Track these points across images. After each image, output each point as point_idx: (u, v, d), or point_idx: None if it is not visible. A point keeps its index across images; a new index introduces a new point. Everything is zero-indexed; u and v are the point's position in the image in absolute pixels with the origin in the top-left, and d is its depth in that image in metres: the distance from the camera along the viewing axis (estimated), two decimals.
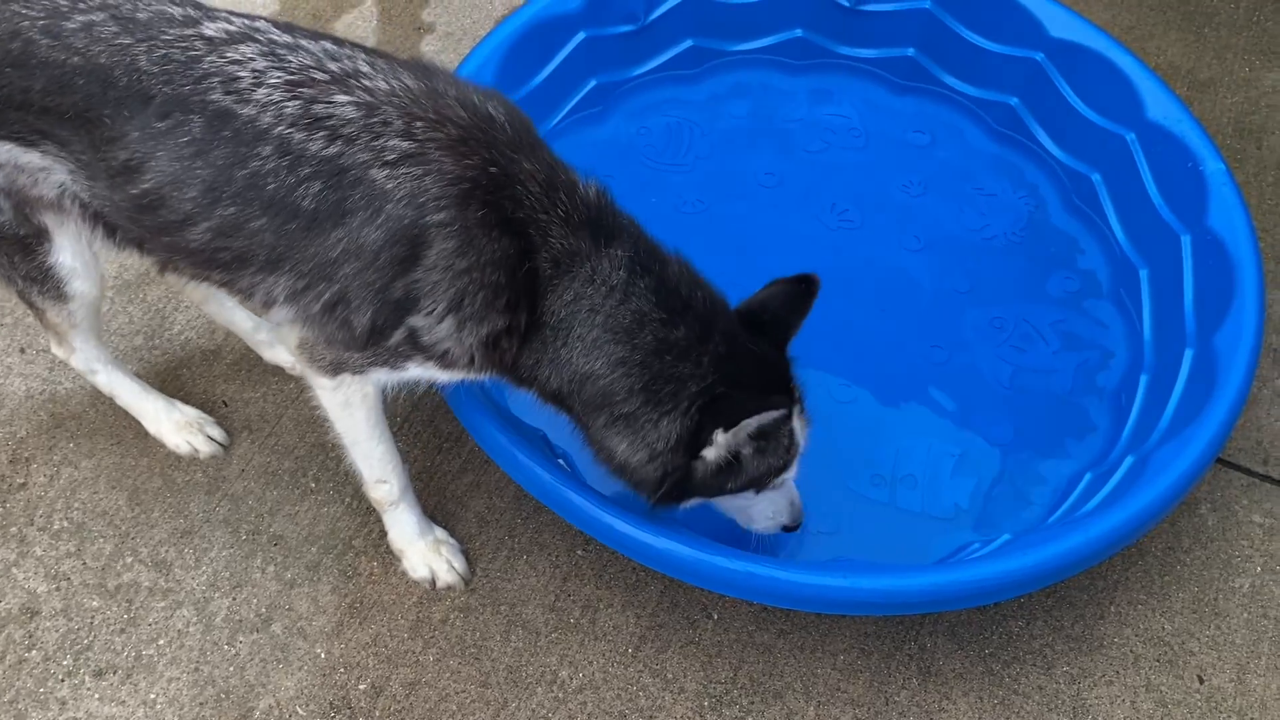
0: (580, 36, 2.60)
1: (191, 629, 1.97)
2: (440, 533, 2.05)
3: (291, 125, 1.47)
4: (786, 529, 1.90)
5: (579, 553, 2.08)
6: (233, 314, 2.21)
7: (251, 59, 1.49)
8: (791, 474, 1.79)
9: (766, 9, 2.76)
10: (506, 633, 1.98)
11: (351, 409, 1.79)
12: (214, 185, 1.49)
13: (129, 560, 2.04)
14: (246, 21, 1.54)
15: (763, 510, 1.86)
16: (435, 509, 2.11)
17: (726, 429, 1.62)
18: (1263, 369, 2.33)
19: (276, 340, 2.24)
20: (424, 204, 1.47)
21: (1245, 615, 2.05)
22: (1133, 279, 2.40)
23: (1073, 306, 2.42)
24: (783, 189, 2.61)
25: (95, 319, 1.97)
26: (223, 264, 1.58)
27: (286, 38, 1.53)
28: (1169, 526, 2.14)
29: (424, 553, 2.01)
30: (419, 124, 1.49)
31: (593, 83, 2.69)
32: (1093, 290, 2.45)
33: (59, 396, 2.23)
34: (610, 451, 1.71)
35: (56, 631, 1.96)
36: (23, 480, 2.13)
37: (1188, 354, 2.12)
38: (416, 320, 1.56)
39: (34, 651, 1.94)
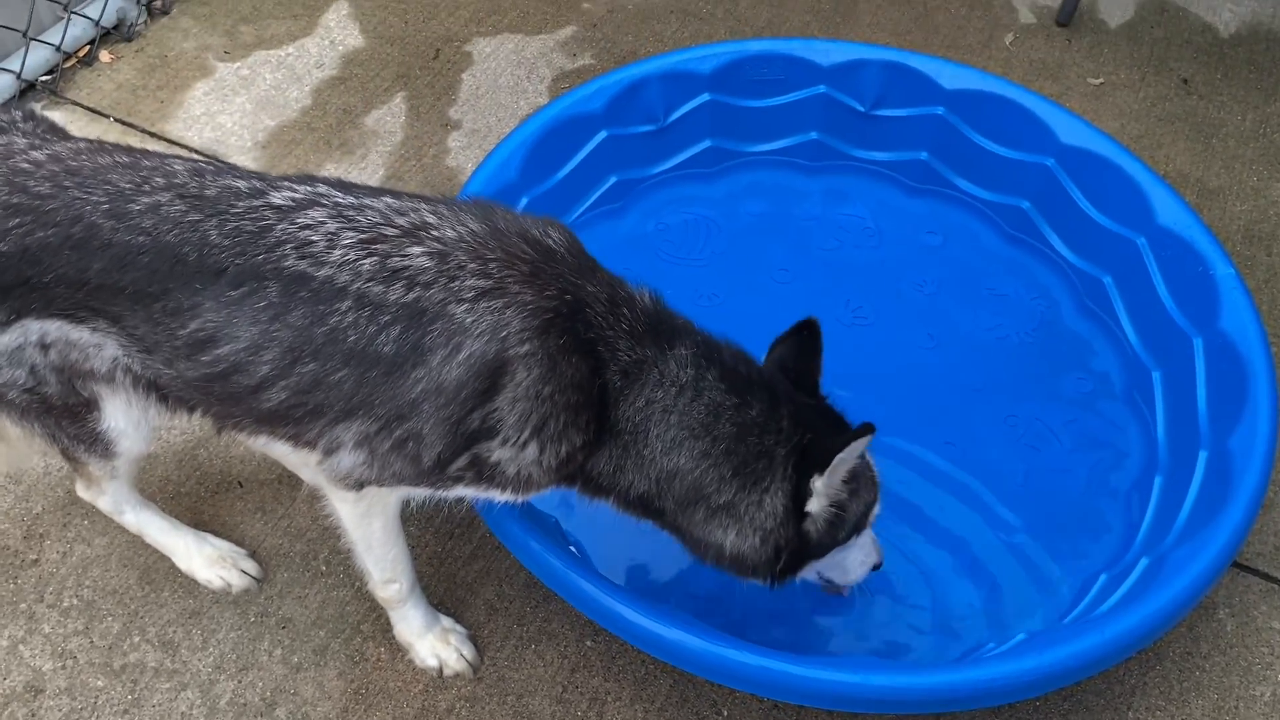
0: (602, 135, 2.68)
1: (195, 712, 1.95)
2: (448, 621, 2.03)
3: (369, 280, 1.51)
4: (875, 568, 1.92)
5: (588, 643, 2.06)
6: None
7: (322, 222, 1.54)
8: (878, 509, 1.83)
9: (783, 113, 2.83)
10: None
11: (370, 519, 1.79)
12: (294, 345, 1.52)
13: (136, 640, 2.03)
14: (309, 187, 1.59)
15: (856, 557, 1.87)
16: (445, 595, 2.11)
17: (821, 472, 1.65)
18: (1278, 472, 2.32)
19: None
20: (506, 337, 1.52)
21: None
22: (1145, 381, 2.41)
23: (1086, 407, 2.43)
24: (797, 285, 2.65)
25: (134, 469, 1.95)
26: (294, 419, 1.60)
27: (350, 199, 1.57)
28: (1187, 631, 2.11)
29: (432, 643, 1.99)
30: (492, 263, 1.54)
31: (613, 179, 2.75)
32: (1106, 391, 2.45)
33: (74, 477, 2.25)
34: (716, 545, 1.72)
35: (59, 711, 1.95)
36: (35, 556, 2.13)
37: (1202, 456, 2.12)
38: (490, 448, 1.59)
39: None
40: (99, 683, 1.98)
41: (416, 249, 1.54)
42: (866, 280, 2.67)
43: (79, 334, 1.59)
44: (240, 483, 2.26)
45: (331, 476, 1.67)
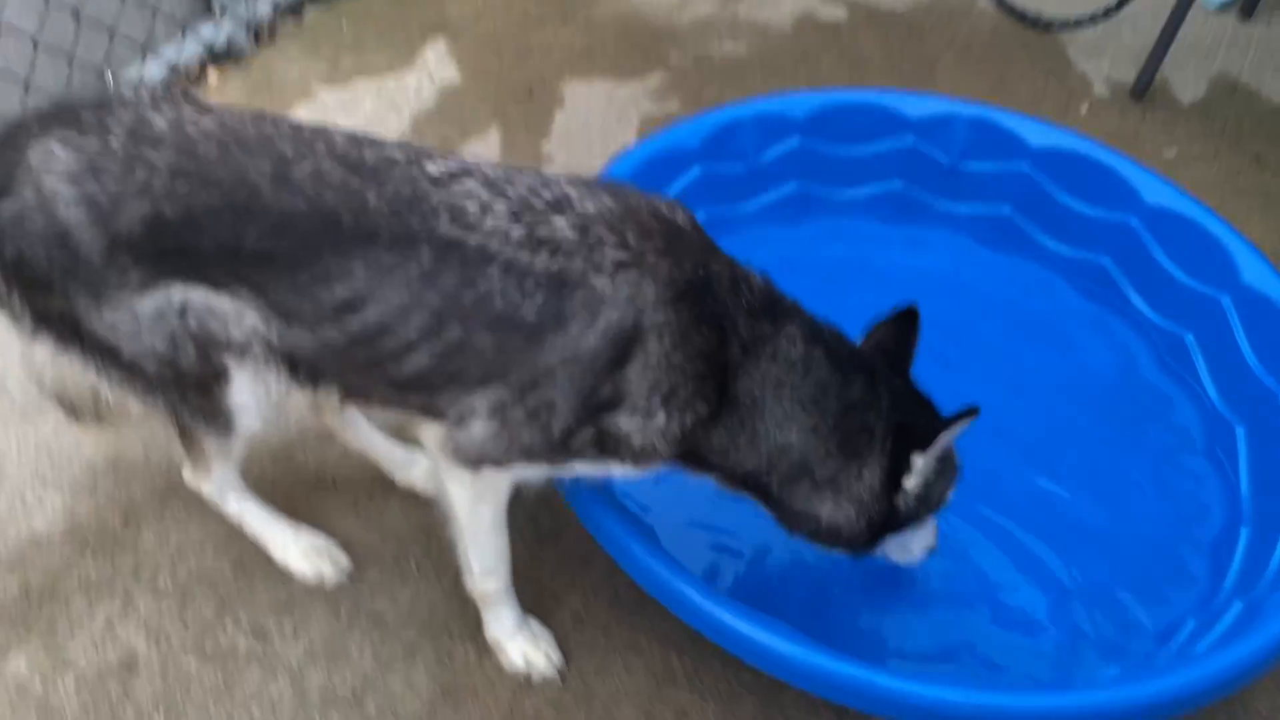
0: (695, 171, 2.75)
1: (285, 699, 1.97)
2: (537, 626, 2.05)
3: (518, 248, 1.58)
4: (930, 551, 2.00)
5: (674, 659, 2.07)
6: (370, 436, 2.25)
7: (476, 191, 1.61)
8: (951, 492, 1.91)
9: (869, 162, 2.91)
10: None
11: (482, 503, 1.83)
12: (442, 309, 1.58)
13: (228, 625, 2.06)
14: (459, 161, 1.66)
15: (919, 538, 1.96)
16: (531, 603, 2.12)
17: (924, 449, 1.74)
18: None
19: (411, 463, 2.26)
20: (642, 307, 1.59)
21: None
22: (1229, 436, 2.43)
23: (1167, 459, 2.44)
24: None
25: (245, 451, 1.99)
26: (430, 386, 1.65)
27: (500, 173, 1.65)
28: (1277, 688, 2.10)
29: (522, 645, 2.01)
30: (629, 237, 1.62)
31: (702, 214, 2.81)
32: (1187, 446, 2.47)
33: (175, 465, 2.28)
34: (813, 518, 1.80)
35: (152, 689, 1.97)
36: (133, 539, 2.17)
37: None
38: (616, 418, 1.65)
39: (128, 707, 1.94)
40: (191, 664, 2.00)
41: (561, 220, 1.61)
42: (947, 328, 2.69)
43: (221, 302, 1.63)
44: (335, 482, 2.30)
45: (454, 451, 1.72)
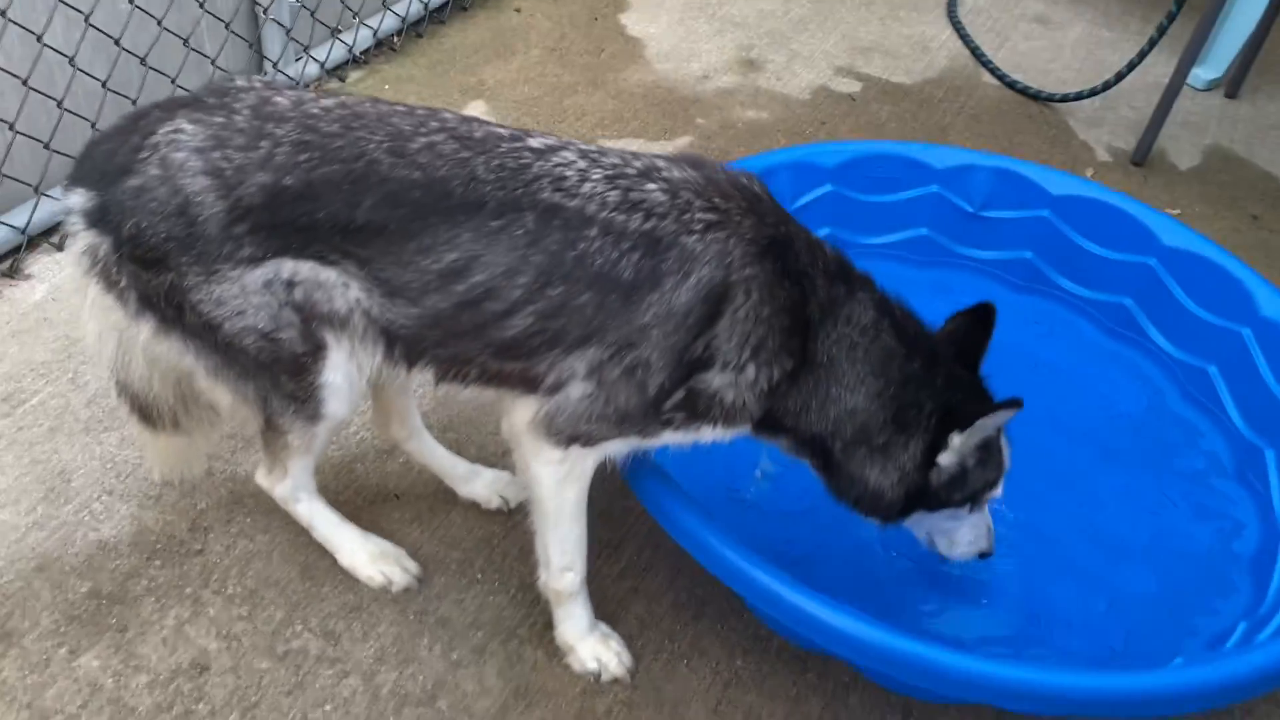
0: None
1: (358, 698, 1.97)
2: (605, 627, 2.08)
3: (614, 210, 1.68)
4: (983, 555, 2.05)
5: (738, 661, 2.09)
6: (434, 450, 2.29)
7: (574, 161, 1.72)
8: (999, 491, 1.96)
9: (897, 209, 3.05)
10: None
11: (568, 485, 1.87)
12: (546, 269, 1.66)
13: (299, 628, 2.07)
14: (557, 138, 1.78)
15: (966, 535, 2.03)
16: (597, 609, 2.14)
17: (962, 430, 1.81)
18: None
19: (474, 475, 2.31)
20: (730, 263, 1.69)
21: None
22: (1258, 460, 2.52)
23: (1199, 482, 2.53)
24: None
25: (325, 447, 2.05)
26: (530, 350, 1.71)
27: (593, 148, 1.78)
28: None
29: (593, 646, 2.03)
30: (716, 200, 1.73)
31: None
32: (1218, 470, 2.56)
33: (239, 477, 2.33)
34: (862, 480, 1.87)
35: (225, 688, 1.96)
36: (200, 547, 2.19)
37: None
38: (708, 377, 1.73)
39: (201, 705, 1.94)
40: (263, 664, 2.00)
41: (652, 185, 1.72)
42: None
43: (327, 274, 1.71)
44: (397, 495, 2.33)
45: (546, 427, 1.77)
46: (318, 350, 1.77)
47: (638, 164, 1.75)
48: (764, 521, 2.33)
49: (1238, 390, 2.65)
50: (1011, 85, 4.02)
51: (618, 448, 1.84)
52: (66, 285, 2.69)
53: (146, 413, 2.00)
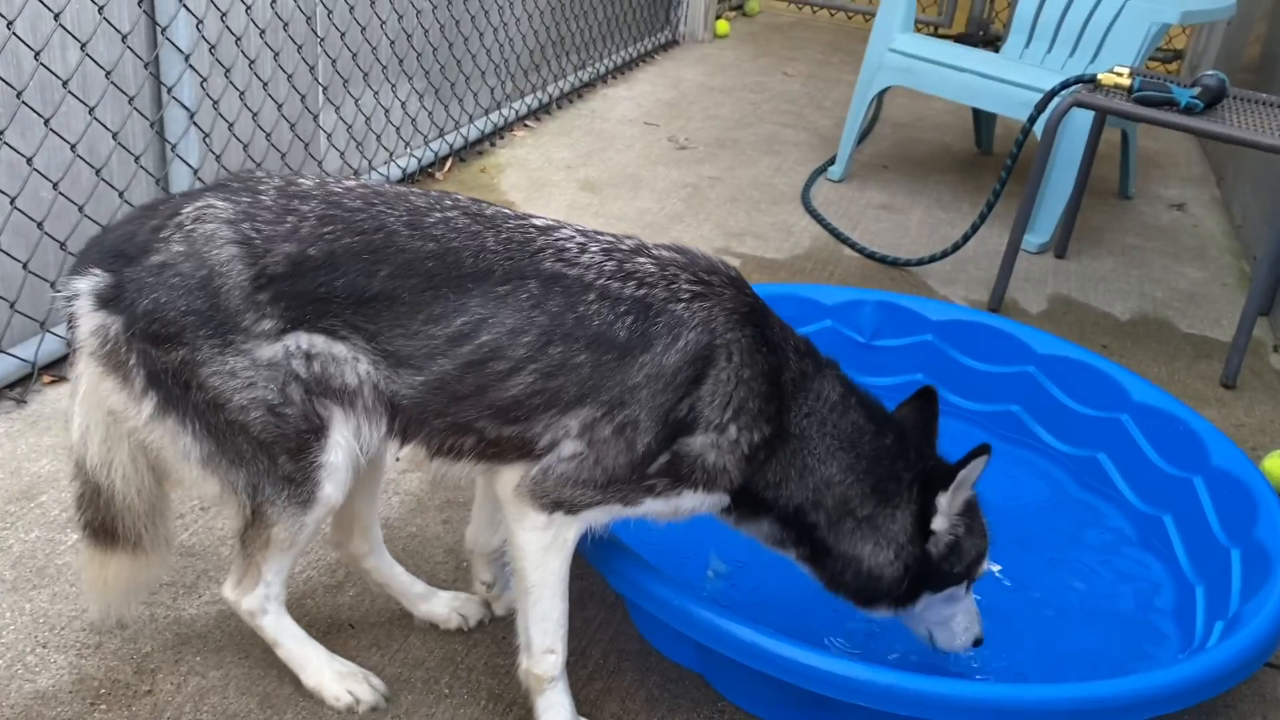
0: None
1: None
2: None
3: (610, 278, 1.83)
4: (977, 642, 2.10)
5: None
6: (392, 568, 2.26)
7: (574, 236, 1.88)
8: (987, 563, 2.05)
9: None
10: None
11: (551, 554, 1.89)
12: (547, 329, 1.77)
13: None
14: (555, 220, 1.94)
15: (963, 621, 2.09)
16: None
17: (945, 489, 1.92)
18: None
19: (431, 595, 2.29)
20: (715, 328, 1.83)
21: None
22: (1158, 527, 2.72)
23: (1113, 551, 2.71)
24: None
25: (306, 547, 2.03)
26: (529, 410, 1.79)
27: (588, 228, 1.94)
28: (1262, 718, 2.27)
29: None
30: (700, 274, 1.89)
31: None
32: (1125, 541, 2.75)
33: (184, 620, 2.24)
34: (857, 560, 1.95)
35: None
36: (149, 688, 2.07)
37: (1235, 553, 2.40)
38: (691, 440, 1.82)
39: None
40: None
41: (643, 259, 1.88)
42: None
43: (339, 348, 1.78)
44: (351, 624, 2.28)
45: (532, 491, 1.83)
46: (321, 429, 1.81)
47: (629, 243, 1.92)
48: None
49: (1126, 470, 2.89)
50: (871, 255, 4.44)
51: (600, 516, 1.89)
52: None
53: (108, 527, 1.94)
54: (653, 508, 1.90)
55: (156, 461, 1.89)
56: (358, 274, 1.75)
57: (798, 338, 1.98)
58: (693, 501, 1.90)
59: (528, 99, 5.53)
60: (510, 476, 1.87)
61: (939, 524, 1.96)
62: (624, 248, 1.90)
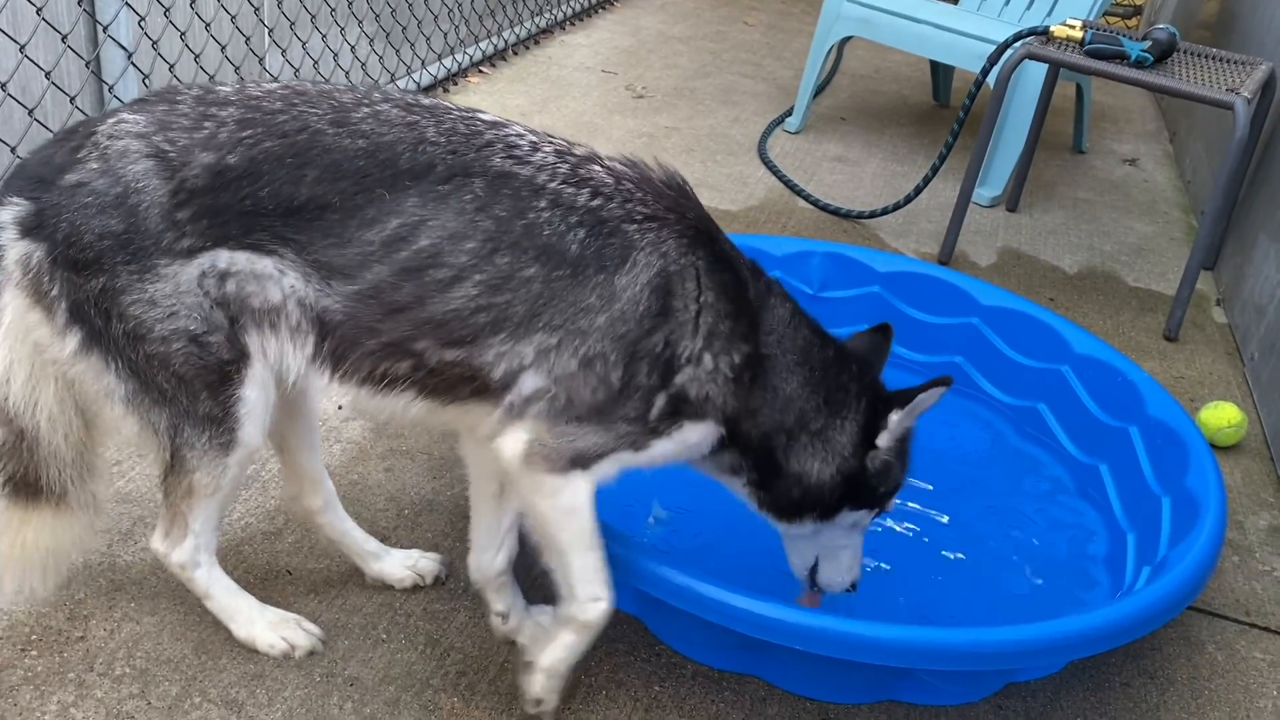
0: None
1: None
2: None
3: (563, 182, 1.71)
4: (853, 587, 2.10)
5: (656, 688, 2.10)
6: (345, 524, 2.20)
7: (525, 134, 1.77)
8: (893, 502, 2.02)
9: None
10: None
11: (575, 513, 1.80)
12: (493, 235, 1.66)
13: (197, 700, 1.95)
14: (501, 118, 1.81)
15: (847, 560, 2.06)
16: (504, 659, 2.13)
17: (901, 408, 1.88)
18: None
19: (384, 553, 2.23)
20: (667, 253, 1.73)
21: None
22: (1095, 476, 2.77)
23: (1049, 500, 2.75)
24: None
25: (231, 494, 1.93)
26: (473, 330, 1.68)
27: (538, 130, 1.82)
28: (1186, 662, 2.33)
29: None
30: (649, 193, 1.78)
31: None
32: (1062, 490, 2.80)
33: (119, 566, 2.22)
34: (805, 475, 1.90)
35: None
36: (81, 634, 2.05)
37: (1165, 501, 2.45)
38: (678, 379, 1.74)
39: None
40: None
41: (597, 167, 1.77)
42: None
43: (263, 263, 1.67)
44: (289, 571, 2.27)
45: (542, 448, 1.74)
46: (241, 359, 1.72)
47: (581, 150, 1.80)
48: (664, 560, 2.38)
49: (1065, 420, 2.93)
50: (824, 208, 4.44)
51: (609, 467, 1.80)
52: None
53: (30, 479, 1.83)
54: (661, 449, 1.81)
55: (85, 403, 1.81)
56: (283, 181, 1.64)
57: (745, 257, 1.88)
58: (697, 435, 1.83)
59: (483, 44, 5.45)
60: (511, 441, 1.76)
61: (884, 440, 1.91)
62: (578, 152, 1.79)
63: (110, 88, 3.20)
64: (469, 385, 1.75)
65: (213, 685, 1.99)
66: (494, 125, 1.77)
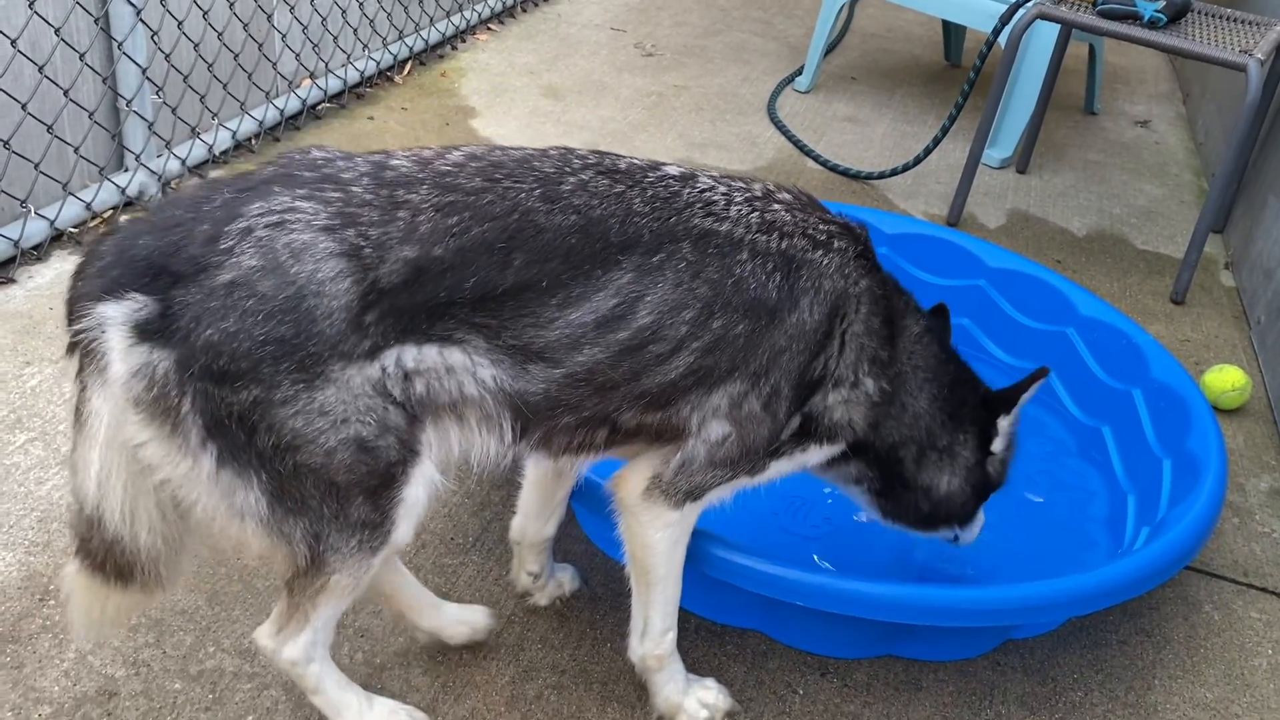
0: None
1: (280, 707, 1.92)
2: (690, 674, 1.97)
3: (757, 232, 1.66)
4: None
5: None
6: (402, 574, 1.98)
7: (714, 185, 1.69)
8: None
9: None
10: (602, 706, 1.99)
11: (680, 544, 1.81)
12: (709, 301, 1.59)
13: (211, 649, 2.00)
14: (681, 165, 1.73)
15: (980, 516, 2.14)
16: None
17: (1008, 413, 1.95)
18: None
19: (440, 606, 2.03)
20: (848, 274, 1.71)
21: (1272, 686, 2.23)
22: (1097, 438, 2.79)
23: (1052, 461, 2.78)
24: None
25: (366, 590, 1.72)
26: (679, 392, 1.62)
27: (716, 172, 1.76)
28: (1183, 621, 2.36)
29: (697, 694, 1.94)
30: (822, 218, 1.77)
31: None
32: (1064, 451, 2.82)
33: None
34: (934, 489, 1.96)
35: (136, 710, 1.88)
36: None
37: (1166, 464, 2.47)
38: (820, 399, 1.74)
39: None
40: (176, 685, 1.93)
41: (777, 206, 1.73)
42: None
43: (455, 357, 1.52)
44: None
45: (664, 484, 1.73)
46: (409, 458, 1.54)
47: (757, 187, 1.75)
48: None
49: (1070, 382, 2.94)
50: (834, 169, 4.42)
51: (724, 493, 1.79)
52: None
53: (123, 569, 1.59)
54: (776, 469, 1.81)
55: (188, 509, 1.57)
56: (490, 268, 1.48)
57: (886, 270, 1.87)
58: (818, 456, 1.84)
59: (491, 1, 5.41)
60: (639, 477, 1.74)
61: (998, 445, 1.98)
62: (758, 192, 1.73)
63: (120, 44, 3.20)
64: (651, 437, 1.71)
65: (226, 635, 2.03)
66: (685, 181, 1.68)
